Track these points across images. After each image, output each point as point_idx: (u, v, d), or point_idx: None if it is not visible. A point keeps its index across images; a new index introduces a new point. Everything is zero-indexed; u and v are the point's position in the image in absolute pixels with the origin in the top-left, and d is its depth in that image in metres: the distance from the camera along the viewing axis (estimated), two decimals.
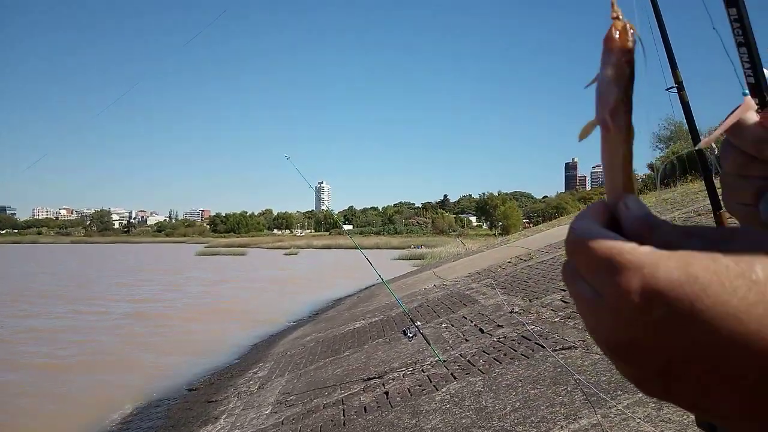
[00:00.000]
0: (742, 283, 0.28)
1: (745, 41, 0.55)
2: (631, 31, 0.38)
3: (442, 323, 8.10)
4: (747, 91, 0.56)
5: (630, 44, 0.37)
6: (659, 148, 45.40)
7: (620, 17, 0.38)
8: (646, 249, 0.30)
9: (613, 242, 0.31)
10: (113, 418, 8.06)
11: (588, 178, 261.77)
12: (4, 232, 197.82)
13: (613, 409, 3.55)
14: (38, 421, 7.98)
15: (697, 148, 0.54)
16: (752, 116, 0.55)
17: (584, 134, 0.38)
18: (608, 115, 0.36)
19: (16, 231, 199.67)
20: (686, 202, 12.83)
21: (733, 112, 0.57)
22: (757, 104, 0.56)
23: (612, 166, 0.37)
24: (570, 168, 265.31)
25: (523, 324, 6.46)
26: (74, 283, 27.75)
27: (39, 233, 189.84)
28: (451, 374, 5.56)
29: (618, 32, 0.38)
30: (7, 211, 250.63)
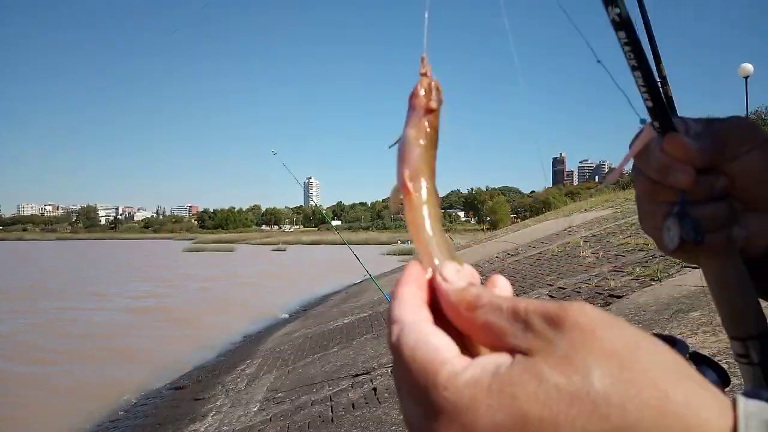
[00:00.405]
0: (578, 409, 0.23)
1: (639, 64, 0.52)
2: (437, 90, 0.36)
3: None
4: (645, 118, 0.55)
5: (434, 104, 0.35)
6: None
7: (429, 74, 0.36)
8: (466, 378, 0.25)
9: (428, 362, 0.27)
10: (100, 415, 7.98)
11: (575, 173, 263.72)
12: None
13: None
14: (25, 413, 7.88)
15: (604, 185, 0.52)
16: (656, 142, 0.54)
17: (394, 204, 0.35)
18: (408, 180, 0.34)
19: (0, 227, 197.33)
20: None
21: (634, 141, 0.56)
22: (657, 128, 0.55)
23: (419, 234, 0.34)
24: (557, 163, 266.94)
25: None
26: (64, 279, 27.47)
27: (24, 230, 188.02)
28: None
29: (423, 90, 0.35)
30: None
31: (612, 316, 0.27)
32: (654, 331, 0.62)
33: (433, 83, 0.36)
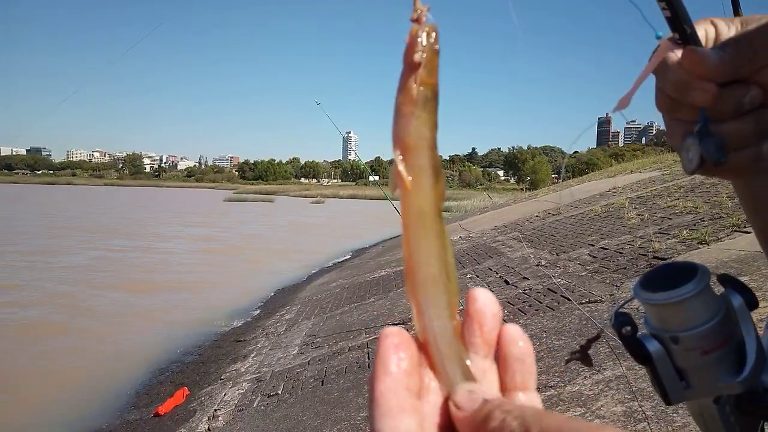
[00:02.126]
0: None
1: None
2: (429, 38, 0.28)
3: (467, 274, 8.14)
4: (660, 34, 0.50)
5: (419, 57, 0.28)
6: None
7: (421, 19, 0.29)
8: None
9: None
10: (146, 351, 8.39)
11: (621, 134, 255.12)
12: (40, 172, 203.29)
13: None
14: (86, 335, 8.37)
15: (613, 112, 0.48)
16: (674, 58, 0.50)
17: (393, 188, 0.29)
18: (400, 163, 0.28)
19: (51, 172, 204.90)
20: None
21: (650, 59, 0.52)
22: (677, 40, 0.50)
23: (414, 246, 0.28)
24: (603, 123, 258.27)
25: (549, 277, 6.45)
26: (125, 220, 28.52)
27: (73, 175, 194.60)
28: None
29: (415, 41, 0.28)
30: (43, 152, 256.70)
31: None
32: (675, 260, 0.61)
33: (424, 30, 0.28)
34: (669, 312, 0.55)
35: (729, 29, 0.52)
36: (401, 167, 0.28)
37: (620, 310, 0.59)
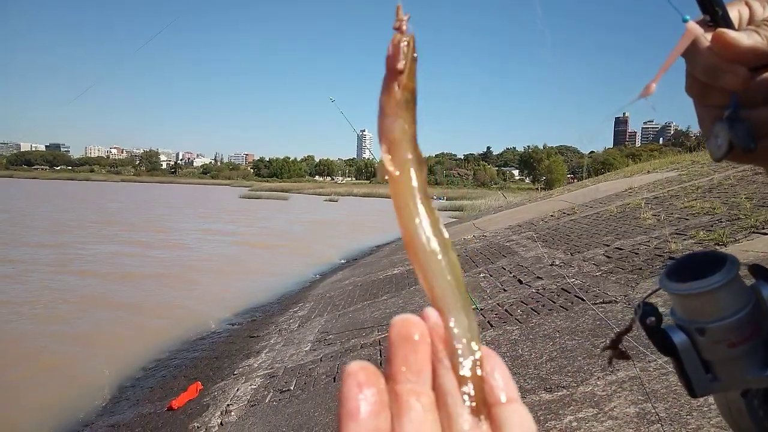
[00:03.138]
0: None
1: None
2: (408, 47, 0.31)
3: (480, 273, 8.11)
4: (687, 17, 0.48)
5: (401, 65, 0.31)
6: None
7: (402, 28, 0.32)
8: None
9: None
10: (159, 346, 8.48)
11: (638, 134, 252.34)
12: (59, 168, 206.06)
13: (653, 363, 3.52)
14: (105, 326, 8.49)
15: (638, 98, 0.46)
16: (703, 41, 0.48)
17: (381, 177, 0.32)
18: (387, 155, 0.31)
19: (70, 168, 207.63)
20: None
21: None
22: (708, 22, 0.49)
23: (404, 217, 0.31)
24: (620, 123, 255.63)
25: (564, 277, 6.41)
26: (143, 215, 28.85)
27: (91, 171, 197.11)
28: (488, 322, 5.61)
29: (398, 50, 0.31)
30: (62, 148, 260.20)
31: None
32: (698, 251, 0.60)
33: (402, 40, 0.31)
34: (696, 302, 0.54)
35: (765, 10, 0.51)
36: (387, 159, 0.31)
37: (645, 300, 0.58)
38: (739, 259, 0.54)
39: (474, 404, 0.27)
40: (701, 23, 0.49)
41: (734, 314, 0.53)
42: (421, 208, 0.31)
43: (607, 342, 0.63)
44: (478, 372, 0.28)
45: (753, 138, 0.48)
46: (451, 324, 0.29)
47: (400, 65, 0.31)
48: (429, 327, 0.28)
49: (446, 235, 0.31)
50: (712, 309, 0.53)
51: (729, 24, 0.49)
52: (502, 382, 0.28)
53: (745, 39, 0.47)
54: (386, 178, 0.31)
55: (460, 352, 0.28)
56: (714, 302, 0.53)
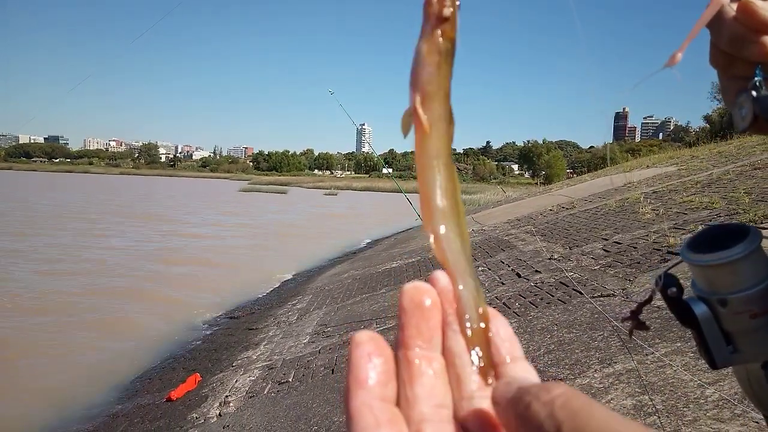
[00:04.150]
0: None
1: None
2: None
3: (478, 266, 8.12)
4: None
5: (447, 11, 0.29)
6: (717, 99, 43.11)
7: None
8: None
9: None
10: (158, 337, 8.50)
11: (638, 129, 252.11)
12: (57, 160, 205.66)
13: (650, 356, 3.53)
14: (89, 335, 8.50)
15: (663, 68, 0.45)
16: (729, 11, 0.47)
17: (405, 129, 0.30)
18: (419, 105, 0.29)
19: (68, 160, 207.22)
20: (742, 155, 12.27)
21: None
22: None
23: (425, 174, 0.30)
24: (620, 117, 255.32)
25: (562, 270, 6.42)
26: (147, 207, 28.84)
27: (90, 163, 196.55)
28: None
29: None
30: (60, 141, 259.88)
31: None
32: (720, 223, 0.59)
33: None
34: (718, 273, 0.54)
35: None
36: (421, 112, 0.29)
37: (667, 271, 0.58)
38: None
39: (482, 365, 0.28)
40: None
41: (756, 285, 0.53)
42: (444, 171, 0.30)
43: (627, 313, 0.63)
44: (486, 334, 0.28)
45: None
46: (460, 288, 0.29)
47: (447, 12, 0.29)
48: (438, 290, 0.29)
49: (462, 201, 0.31)
50: (734, 280, 0.53)
51: None
52: (508, 343, 0.29)
53: None
54: (412, 131, 0.30)
55: (467, 315, 0.28)
56: (736, 273, 0.53)
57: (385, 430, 0.25)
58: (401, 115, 0.30)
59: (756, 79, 0.48)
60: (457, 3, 0.30)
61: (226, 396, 5.71)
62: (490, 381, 0.28)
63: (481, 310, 0.29)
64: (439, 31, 0.30)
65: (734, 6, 0.47)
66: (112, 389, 6.74)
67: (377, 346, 0.27)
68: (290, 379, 5.63)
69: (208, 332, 8.86)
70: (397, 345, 0.28)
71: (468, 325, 0.28)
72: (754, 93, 0.48)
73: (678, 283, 0.57)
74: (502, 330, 0.29)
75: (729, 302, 0.54)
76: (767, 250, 0.55)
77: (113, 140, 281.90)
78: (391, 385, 0.26)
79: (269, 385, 5.66)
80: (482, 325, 0.28)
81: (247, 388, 5.80)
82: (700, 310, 0.56)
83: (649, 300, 0.62)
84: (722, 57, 0.50)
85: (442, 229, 0.30)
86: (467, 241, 0.30)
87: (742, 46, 0.48)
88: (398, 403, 0.26)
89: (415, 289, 0.28)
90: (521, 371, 0.28)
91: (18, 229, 19.00)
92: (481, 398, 0.27)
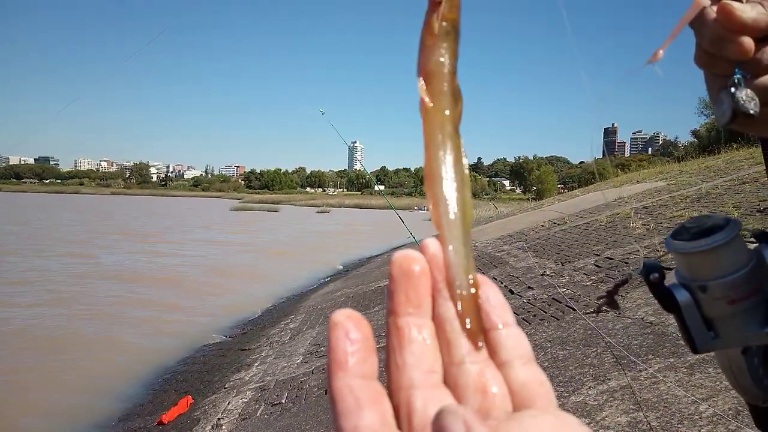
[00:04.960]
0: None
1: None
2: None
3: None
4: None
5: None
6: (705, 114, 43.60)
7: None
8: None
9: None
10: (150, 359, 8.39)
11: (627, 145, 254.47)
12: (47, 181, 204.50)
13: (644, 372, 3.53)
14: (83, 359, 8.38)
15: (646, 65, 0.48)
16: (710, 13, 0.50)
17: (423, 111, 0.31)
18: (423, 88, 0.30)
19: (59, 181, 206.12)
20: (730, 170, 12.40)
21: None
22: None
23: (434, 155, 0.30)
24: (609, 133, 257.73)
25: (554, 287, 6.43)
26: (141, 228, 28.68)
27: (81, 184, 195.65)
28: None
29: None
30: (51, 162, 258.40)
31: None
32: (703, 214, 0.61)
33: None
34: (698, 260, 0.56)
35: None
36: (423, 90, 0.30)
37: (651, 259, 0.60)
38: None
39: (472, 330, 0.28)
40: None
41: (735, 272, 0.55)
42: (449, 143, 0.30)
43: (601, 296, 0.65)
44: (475, 300, 0.29)
45: (755, 105, 0.50)
46: (450, 253, 0.29)
47: None
48: (428, 258, 0.29)
49: (467, 172, 0.31)
50: (714, 267, 0.55)
51: None
52: (498, 308, 0.29)
53: (749, 11, 0.48)
54: (420, 110, 0.31)
55: (457, 282, 0.28)
56: (715, 260, 0.55)
57: (366, 410, 0.24)
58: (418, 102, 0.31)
59: (735, 77, 0.50)
60: None
61: (219, 419, 5.64)
62: (480, 344, 0.28)
63: (471, 277, 0.29)
64: (437, 14, 0.31)
65: (715, 8, 0.49)
66: (102, 413, 6.63)
67: (355, 323, 0.26)
68: (283, 401, 5.57)
69: (199, 353, 8.77)
70: (387, 312, 0.28)
71: (458, 291, 0.28)
72: (732, 90, 0.50)
73: (660, 269, 0.59)
74: (492, 297, 0.29)
75: (709, 288, 0.56)
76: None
77: (104, 160, 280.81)
78: (370, 361, 0.26)
79: (262, 407, 5.59)
80: (472, 291, 0.29)
81: (239, 411, 5.73)
82: (681, 296, 0.58)
83: (625, 281, 0.64)
84: (705, 56, 0.52)
85: (441, 195, 0.30)
86: (469, 210, 0.31)
87: (722, 46, 0.50)
88: (388, 370, 0.27)
89: (404, 257, 0.28)
90: (510, 337, 0.28)
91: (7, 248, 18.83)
92: (472, 363, 0.27)
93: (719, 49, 0.50)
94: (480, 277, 0.30)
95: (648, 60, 0.47)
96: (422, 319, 0.28)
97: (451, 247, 0.29)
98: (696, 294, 0.57)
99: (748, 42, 0.49)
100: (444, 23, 0.31)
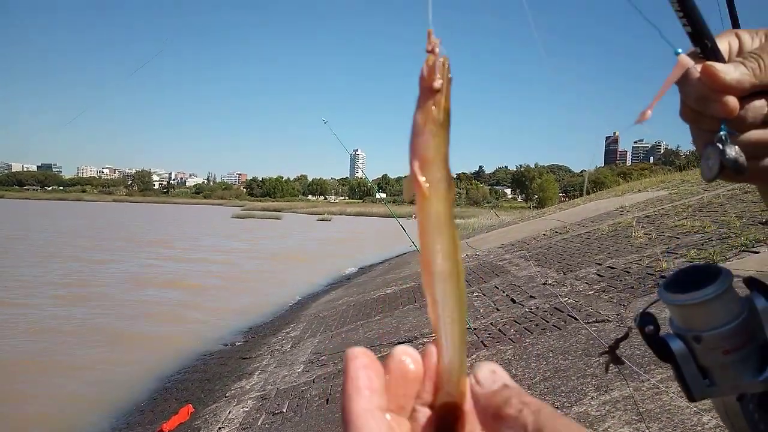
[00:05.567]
0: None
1: None
2: (444, 68, 0.32)
3: (473, 292, 8.11)
4: (679, 50, 0.52)
5: (438, 84, 0.32)
6: None
7: (435, 51, 0.32)
8: None
9: None
10: (150, 367, 8.38)
11: (629, 153, 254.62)
12: (50, 188, 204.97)
13: (646, 382, 3.51)
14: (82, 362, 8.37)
15: (634, 124, 0.49)
16: (694, 72, 0.51)
17: (407, 195, 0.32)
18: (418, 172, 0.31)
19: (61, 188, 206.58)
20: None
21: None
22: (699, 53, 0.52)
23: (431, 245, 0.31)
24: (610, 142, 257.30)
25: (556, 296, 6.41)
26: (145, 234, 28.69)
27: (83, 191, 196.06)
28: (482, 342, 5.59)
29: (433, 70, 0.32)
30: (53, 169, 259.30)
31: None
32: (695, 264, 0.62)
33: (438, 60, 0.32)
34: (692, 312, 0.57)
35: (753, 41, 0.53)
36: (421, 178, 0.31)
37: (645, 311, 0.61)
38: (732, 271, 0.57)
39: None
40: (692, 54, 0.52)
41: (728, 323, 0.55)
42: (445, 235, 0.31)
43: (604, 351, 0.65)
44: (461, 407, 0.29)
45: (741, 161, 0.51)
46: (445, 363, 0.30)
47: (437, 84, 0.31)
48: (425, 365, 0.30)
49: (462, 264, 0.32)
50: (707, 318, 0.56)
51: (718, 55, 0.52)
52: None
53: (732, 71, 0.50)
54: (414, 197, 0.31)
55: (446, 389, 0.29)
56: (708, 312, 0.56)
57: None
58: (404, 183, 0.32)
59: (721, 133, 0.52)
60: (449, 76, 0.32)
61: (219, 428, 5.62)
62: None
63: (461, 388, 0.30)
64: (432, 102, 0.31)
65: (699, 67, 0.51)
66: (103, 422, 6.62)
67: (371, 360, 0.28)
68: (284, 410, 5.55)
69: (200, 362, 8.75)
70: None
71: (446, 399, 0.29)
72: (719, 146, 0.51)
73: (655, 321, 0.60)
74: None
75: (703, 339, 0.56)
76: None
77: (106, 167, 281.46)
78: (385, 398, 0.27)
79: (263, 416, 5.57)
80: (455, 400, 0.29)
81: (240, 420, 5.71)
82: (676, 346, 0.58)
83: (626, 336, 0.64)
84: (691, 112, 0.54)
85: (438, 295, 0.30)
86: (463, 306, 0.31)
87: (706, 104, 0.51)
88: None
89: (403, 355, 0.29)
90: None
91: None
92: None
93: (704, 107, 0.51)
94: (483, 365, 0.30)
95: (636, 120, 0.48)
96: (401, 418, 0.28)
97: (445, 357, 0.30)
98: (690, 344, 0.58)
99: (732, 101, 0.50)
100: (439, 111, 0.32)
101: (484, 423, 0.28)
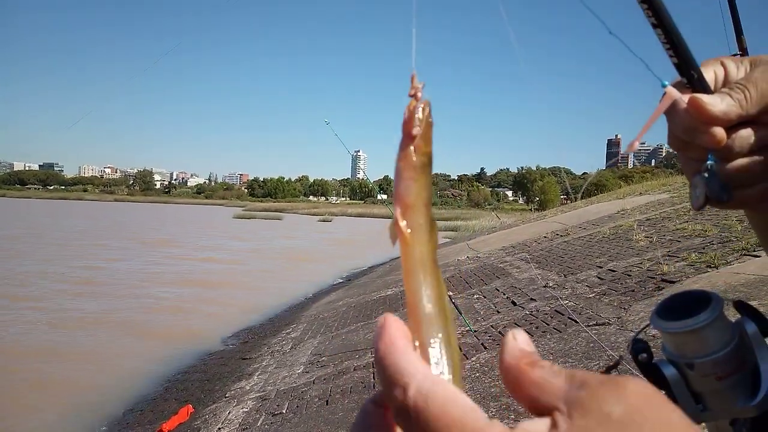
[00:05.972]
0: None
1: (659, 21, 0.50)
2: (425, 113, 0.32)
3: (474, 294, 8.11)
4: (666, 82, 0.53)
5: (417, 131, 0.32)
6: None
7: (418, 95, 0.33)
8: None
9: (468, 424, 0.24)
10: (150, 367, 8.38)
11: (631, 156, 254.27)
12: (52, 187, 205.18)
13: None
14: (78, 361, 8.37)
15: (623, 155, 0.49)
16: (681, 104, 0.52)
17: (392, 238, 0.32)
18: (400, 217, 0.31)
19: (63, 187, 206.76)
20: None
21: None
22: (685, 84, 0.53)
23: (411, 284, 0.30)
24: (612, 144, 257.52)
25: (557, 298, 6.41)
26: (147, 235, 28.71)
27: (85, 190, 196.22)
28: (482, 344, 5.59)
29: (413, 116, 0.32)
30: (55, 168, 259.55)
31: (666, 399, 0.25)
32: (689, 288, 0.62)
33: (417, 106, 0.32)
34: (684, 339, 0.57)
35: (738, 70, 0.54)
36: (402, 223, 0.31)
37: (637, 336, 0.62)
38: (725, 292, 0.57)
39: None
40: (679, 85, 0.53)
41: (720, 350, 0.56)
42: (429, 276, 0.31)
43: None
44: None
45: (727, 191, 0.52)
46: None
47: (416, 130, 0.32)
48: None
49: (449, 306, 0.31)
50: (699, 346, 0.56)
51: (705, 86, 0.53)
52: None
53: (718, 103, 0.50)
54: (397, 240, 0.31)
55: None
56: (700, 339, 0.56)
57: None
58: (388, 226, 0.32)
59: (708, 162, 0.53)
60: (430, 120, 0.32)
61: (219, 428, 5.62)
62: None
63: None
64: (412, 148, 0.32)
65: (686, 98, 0.51)
66: (103, 422, 6.62)
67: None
68: (284, 411, 5.55)
69: (200, 362, 8.75)
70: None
71: None
72: (706, 175, 0.53)
73: (648, 349, 0.60)
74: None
75: (696, 366, 0.57)
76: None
77: (108, 167, 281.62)
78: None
79: (263, 417, 5.57)
80: None
81: (240, 420, 5.71)
82: (669, 372, 0.59)
83: (616, 365, 0.65)
84: (679, 142, 0.55)
85: (428, 338, 0.30)
86: (455, 348, 0.31)
87: (694, 135, 0.52)
88: None
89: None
90: None
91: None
92: None
93: (692, 138, 0.52)
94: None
95: (625, 150, 0.50)
96: None
97: None
98: (683, 370, 0.58)
99: (719, 132, 0.51)
100: (420, 156, 0.32)
101: (509, 372, 0.28)
